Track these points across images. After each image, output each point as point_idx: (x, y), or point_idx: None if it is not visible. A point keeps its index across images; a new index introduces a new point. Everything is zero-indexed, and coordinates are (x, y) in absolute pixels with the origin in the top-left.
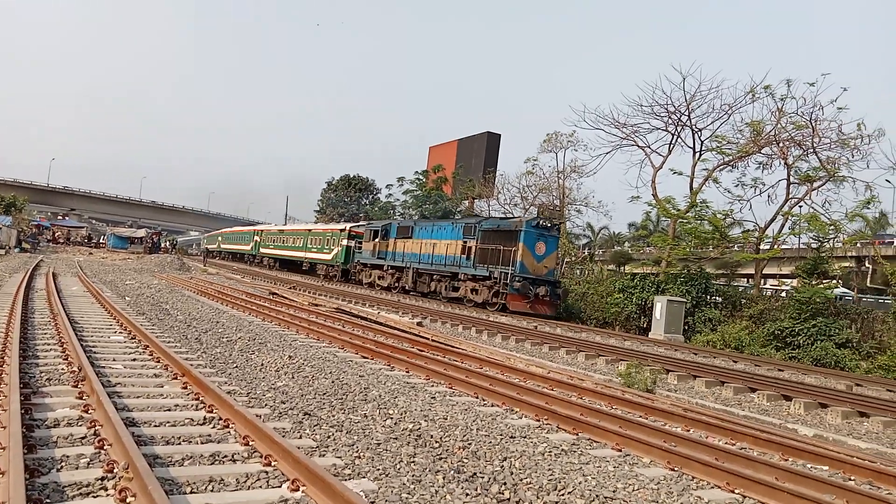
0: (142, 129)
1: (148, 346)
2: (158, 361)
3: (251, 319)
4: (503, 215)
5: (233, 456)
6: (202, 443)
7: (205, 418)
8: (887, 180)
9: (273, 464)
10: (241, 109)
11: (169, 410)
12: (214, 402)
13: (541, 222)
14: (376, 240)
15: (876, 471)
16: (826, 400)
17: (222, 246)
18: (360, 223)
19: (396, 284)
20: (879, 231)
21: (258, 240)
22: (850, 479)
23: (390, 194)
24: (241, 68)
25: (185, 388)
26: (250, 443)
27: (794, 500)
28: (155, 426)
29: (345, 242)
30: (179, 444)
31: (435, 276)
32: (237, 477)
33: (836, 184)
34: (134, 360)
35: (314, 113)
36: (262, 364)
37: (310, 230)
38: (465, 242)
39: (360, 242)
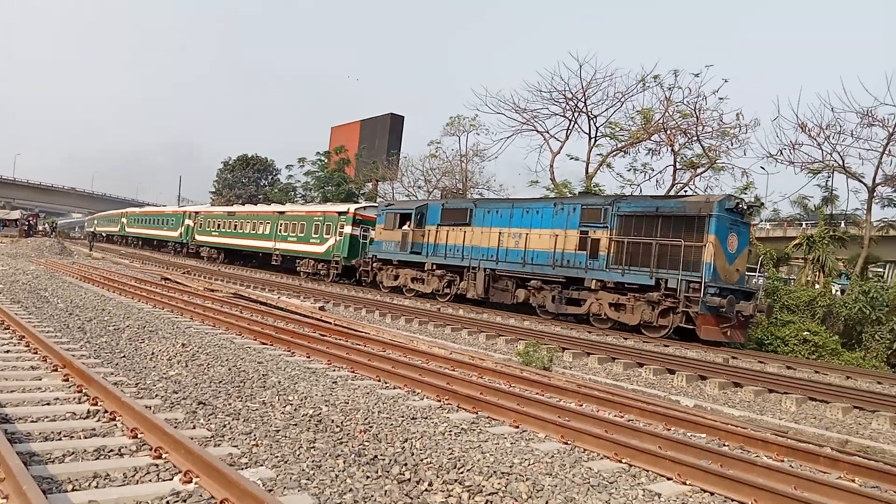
0: (14, 95)
1: (24, 337)
2: (36, 353)
3: (141, 306)
4: (653, 195)
5: (119, 450)
6: (86, 437)
7: (88, 411)
8: (762, 167)
9: (164, 456)
10: (125, 82)
11: (48, 405)
12: (99, 393)
13: (737, 204)
14: (405, 227)
15: (746, 436)
16: (705, 372)
17: (128, 229)
18: (369, 204)
19: (448, 290)
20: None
21: (191, 224)
22: (724, 445)
23: (291, 175)
24: (124, 36)
25: (67, 380)
26: (139, 435)
27: (675, 466)
28: (32, 422)
29: (348, 230)
30: (60, 439)
31: (531, 283)
32: (124, 471)
33: (716, 171)
34: (7, 351)
35: (209, 89)
36: (153, 353)
37: (282, 212)
38: (588, 233)
39: (369, 229)
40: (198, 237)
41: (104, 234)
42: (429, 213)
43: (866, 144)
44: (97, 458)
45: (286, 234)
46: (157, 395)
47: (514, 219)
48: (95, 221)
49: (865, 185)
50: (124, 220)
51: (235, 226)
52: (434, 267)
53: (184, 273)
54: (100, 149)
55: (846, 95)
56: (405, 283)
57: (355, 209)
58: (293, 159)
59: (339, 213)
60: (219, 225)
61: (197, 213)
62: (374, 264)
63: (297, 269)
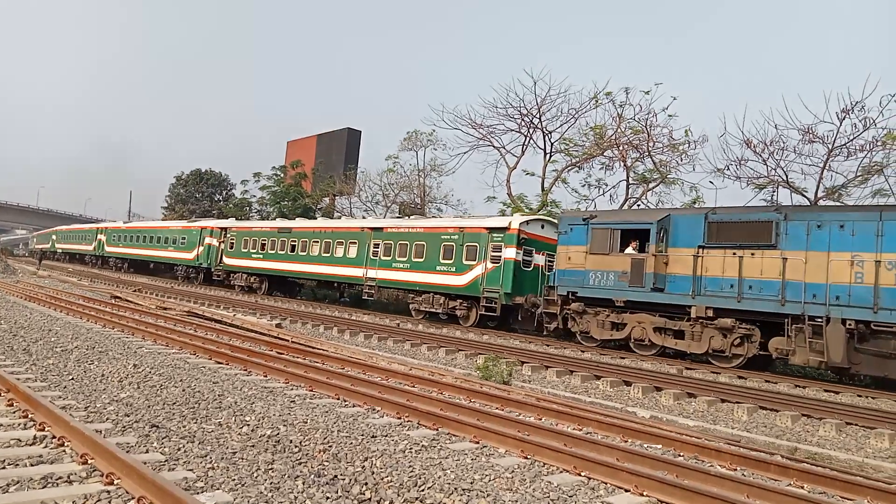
0: None
1: None
2: None
3: (90, 326)
4: None
5: (69, 477)
6: (32, 465)
7: (35, 437)
8: (711, 182)
9: (116, 482)
10: (71, 89)
11: None
12: (46, 418)
13: None
14: (630, 249)
15: (700, 446)
16: (660, 384)
17: (109, 248)
18: (535, 217)
19: (740, 351)
20: None
21: (215, 243)
22: (679, 455)
23: (246, 190)
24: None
25: (11, 405)
26: (89, 461)
27: (632, 477)
28: None
29: (510, 253)
30: (4, 468)
31: None
32: (74, 499)
33: (667, 185)
34: None
35: (163, 103)
36: (104, 374)
37: (379, 228)
38: None
39: (532, 252)
40: (228, 260)
41: (68, 254)
42: (675, 228)
43: (808, 160)
44: (44, 487)
45: (389, 258)
46: (107, 419)
47: (888, 237)
48: (54, 237)
49: (808, 199)
50: (102, 236)
51: (293, 246)
52: (710, 313)
53: (135, 291)
54: (43, 158)
55: (788, 112)
56: (642, 335)
57: (519, 224)
58: (248, 174)
59: (491, 230)
60: (263, 245)
61: (225, 229)
62: (571, 305)
63: (413, 307)
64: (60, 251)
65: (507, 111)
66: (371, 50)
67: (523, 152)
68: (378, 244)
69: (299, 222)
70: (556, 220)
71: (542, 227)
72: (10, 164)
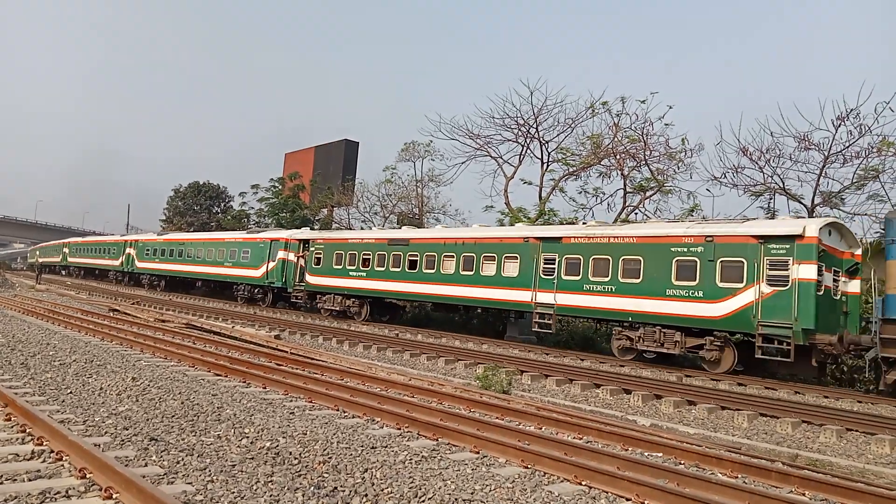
0: None
1: None
2: None
3: (88, 339)
4: None
5: (67, 491)
6: (30, 479)
7: (33, 452)
8: (708, 190)
9: (115, 496)
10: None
11: None
12: (45, 432)
13: None
14: None
15: (701, 454)
16: (660, 391)
17: (142, 264)
18: (831, 219)
19: None
20: None
21: (293, 259)
22: (680, 463)
23: (244, 202)
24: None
25: (9, 419)
26: (88, 475)
27: (633, 486)
28: None
29: (807, 272)
30: (1, 483)
31: None
32: None
33: (664, 194)
34: None
35: (159, 116)
36: (102, 388)
37: (556, 238)
38: None
39: (820, 268)
40: (312, 279)
41: (83, 269)
42: None
43: (804, 167)
44: (42, 502)
45: (577, 277)
46: (106, 433)
47: None
48: (66, 250)
49: (805, 205)
50: (132, 250)
51: (412, 262)
52: None
53: (133, 304)
54: (38, 166)
55: (784, 120)
56: None
57: (819, 230)
58: (246, 186)
59: (767, 240)
60: (366, 260)
61: (306, 241)
62: None
63: (620, 344)
64: (160, 275)
65: (503, 121)
66: (368, 61)
67: (520, 162)
68: (555, 257)
69: (419, 232)
70: (844, 223)
71: (830, 233)
72: (4, 175)
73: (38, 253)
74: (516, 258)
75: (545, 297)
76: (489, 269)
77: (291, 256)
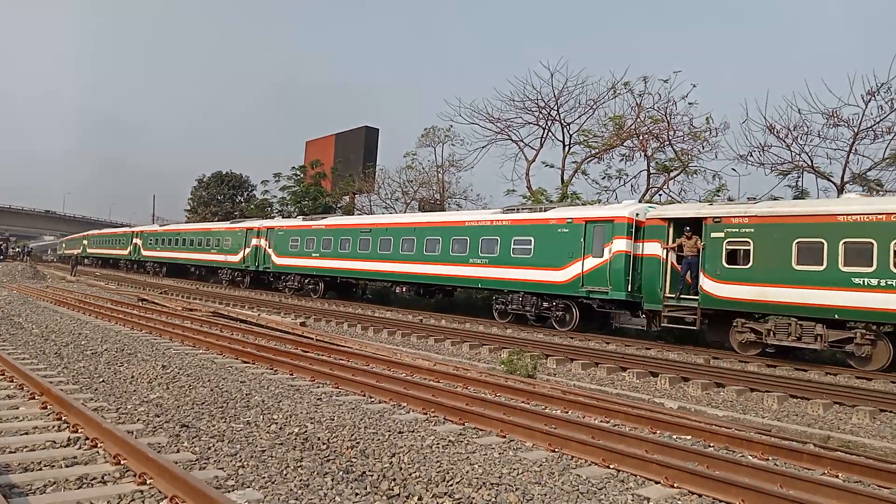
0: None
1: None
2: (12, 381)
3: (118, 329)
4: None
5: (103, 477)
6: (67, 466)
7: (69, 439)
8: (733, 169)
9: (148, 482)
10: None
11: (26, 434)
12: (79, 420)
13: None
14: None
15: (730, 436)
16: (687, 374)
17: (145, 253)
18: None
19: None
20: None
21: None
22: (709, 446)
23: (266, 191)
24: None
25: (45, 407)
26: (122, 461)
27: (662, 469)
28: (10, 452)
29: None
30: (41, 469)
31: None
32: (108, 499)
33: (688, 175)
34: None
35: (178, 108)
36: (133, 376)
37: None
38: None
39: None
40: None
41: (99, 258)
42: None
43: (833, 144)
44: (80, 487)
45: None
46: (138, 420)
47: None
48: (86, 241)
49: (834, 183)
50: (138, 241)
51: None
52: None
53: (161, 293)
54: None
55: (811, 97)
56: None
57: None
58: (268, 175)
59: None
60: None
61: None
62: None
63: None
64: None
65: (524, 104)
66: (388, 46)
67: (542, 145)
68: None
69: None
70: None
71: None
72: (32, 164)
73: (63, 245)
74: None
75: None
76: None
77: (263, 242)
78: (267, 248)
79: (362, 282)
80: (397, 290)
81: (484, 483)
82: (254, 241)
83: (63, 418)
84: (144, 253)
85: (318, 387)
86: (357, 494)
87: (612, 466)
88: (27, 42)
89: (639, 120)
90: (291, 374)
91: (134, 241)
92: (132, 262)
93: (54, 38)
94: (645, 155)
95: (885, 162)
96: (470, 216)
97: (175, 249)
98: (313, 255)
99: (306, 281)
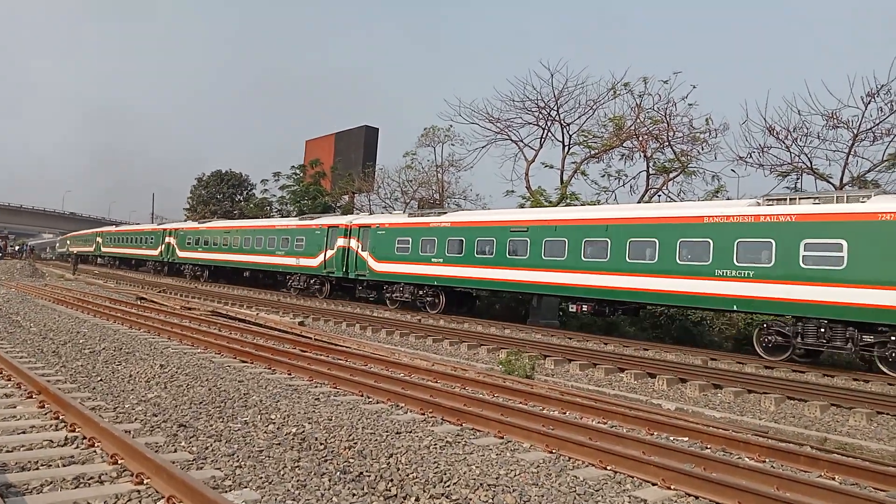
0: None
1: None
2: (10, 379)
3: (117, 328)
4: None
5: (100, 477)
6: (64, 465)
7: (66, 438)
8: (733, 170)
9: (146, 482)
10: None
11: (24, 433)
12: (77, 419)
13: None
14: None
15: (728, 438)
16: (685, 375)
17: (182, 254)
18: None
19: None
20: None
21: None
22: (706, 448)
23: (266, 189)
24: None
25: (43, 406)
26: (119, 461)
27: (659, 471)
28: (7, 451)
29: None
30: (38, 468)
31: None
32: (105, 499)
33: (687, 176)
34: None
35: (179, 106)
36: (131, 375)
37: None
38: None
39: None
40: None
41: (117, 258)
42: None
43: (833, 146)
44: (77, 487)
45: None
46: (136, 419)
47: None
48: (99, 239)
49: (833, 185)
50: (172, 239)
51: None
52: None
53: (160, 292)
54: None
55: (811, 98)
56: None
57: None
58: (268, 174)
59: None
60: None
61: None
62: None
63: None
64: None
65: (524, 104)
66: (388, 46)
67: (541, 145)
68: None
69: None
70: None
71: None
72: (31, 167)
73: (68, 242)
74: None
75: None
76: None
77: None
78: (359, 250)
79: (509, 294)
80: (572, 309)
81: (481, 484)
82: (340, 242)
83: (60, 417)
84: (181, 254)
85: (316, 386)
86: (354, 495)
87: (609, 468)
88: (27, 43)
89: (638, 121)
90: (289, 374)
91: (166, 239)
92: (162, 265)
93: (54, 38)
94: (644, 156)
95: (885, 164)
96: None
97: (221, 251)
98: (433, 259)
99: (421, 292)
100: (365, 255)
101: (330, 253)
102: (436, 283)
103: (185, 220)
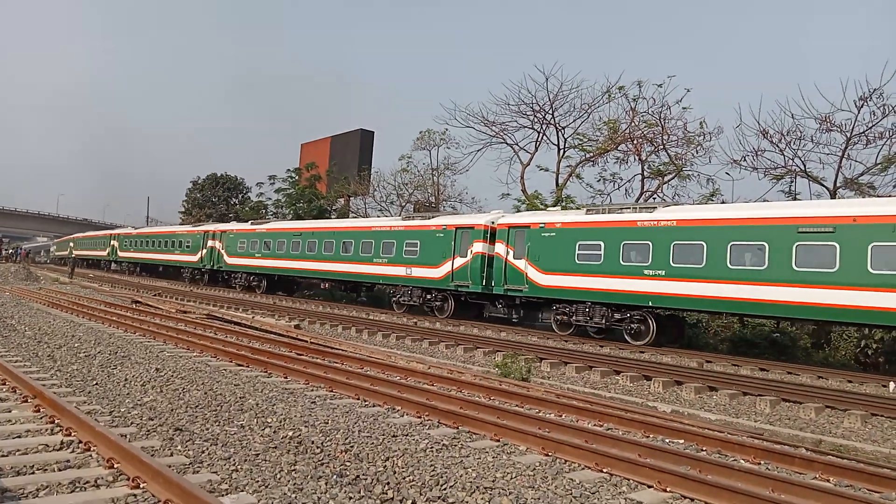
0: None
1: None
2: (4, 384)
3: (112, 331)
4: None
5: (96, 481)
6: (60, 469)
7: (62, 443)
8: (727, 173)
9: (142, 486)
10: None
11: (19, 437)
12: (73, 423)
13: None
14: None
15: (723, 440)
16: (681, 377)
17: (231, 260)
18: None
19: None
20: None
21: None
22: (702, 450)
23: (261, 193)
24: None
25: (38, 411)
26: (115, 465)
27: (655, 473)
28: (3, 456)
29: None
30: (33, 473)
31: None
32: (101, 503)
33: (682, 179)
34: None
35: (177, 113)
36: (126, 379)
37: None
38: None
39: None
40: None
41: (138, 264)
42: None
43: (826, 149)
44: (73, 491)
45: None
46: (132, 423)
47: None
48: (115, 243)
49: (827, 188)
50: (216, 243)
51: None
52: None
53: (155, 295)
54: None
55: (804, 102)
56: None
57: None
58: (263, 177)
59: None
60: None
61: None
62: None
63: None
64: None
65: (519, 108)
66: (382, 49)
67: (537, 148)
68: None
69: None
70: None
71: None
72: (26, 169)
73: (71, 245)
74: None
75: None
76: None
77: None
78: (510, 257)
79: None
80: None
81: (478, 487)
82: (478, 247)
83: (56, 421)
84: (230, 261)
85: (313, 390)
86: (351, 498)
87: (605, 470)
88: (27, 42)
89: (633, 124)
90: (286, 378)
91: (209, 243)
92: (202, 273)
93: (54, 37)
94: (639, 159)
95: (878, 167)
96: None
97: (290, 257)
98: (647, 272)
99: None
100: (520, 263)
101: (461, 261)
102: (650, 304)
103: (228, 222)
